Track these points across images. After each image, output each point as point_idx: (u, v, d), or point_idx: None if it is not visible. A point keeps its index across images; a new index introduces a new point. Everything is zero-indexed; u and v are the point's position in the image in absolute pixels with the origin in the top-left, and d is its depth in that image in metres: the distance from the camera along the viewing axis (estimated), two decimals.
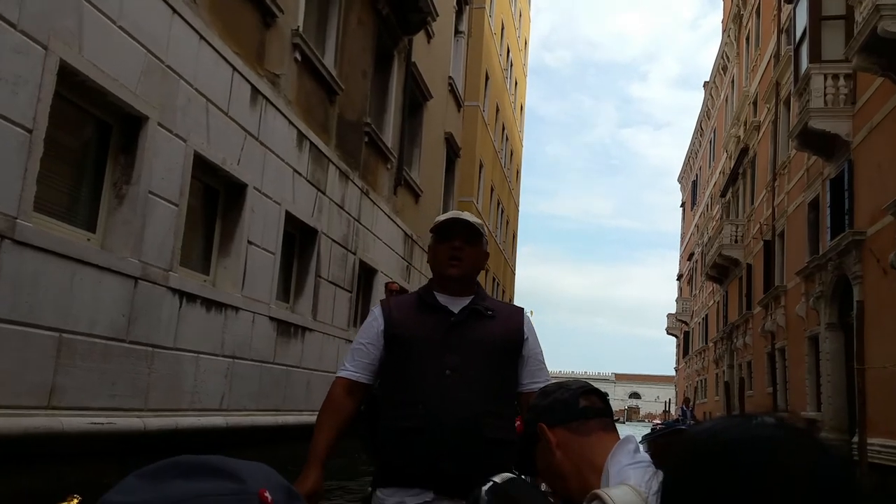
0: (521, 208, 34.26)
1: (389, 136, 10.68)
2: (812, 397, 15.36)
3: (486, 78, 20.24)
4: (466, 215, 2.30)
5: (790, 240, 17.92)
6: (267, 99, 6.68)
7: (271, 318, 6.78)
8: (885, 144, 11.41)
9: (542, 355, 2.38)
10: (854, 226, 12.58)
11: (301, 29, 7.43)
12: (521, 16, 29.45)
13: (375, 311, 2.33)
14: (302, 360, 7.51)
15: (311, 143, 7.63)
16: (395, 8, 10.18)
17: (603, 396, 1.50)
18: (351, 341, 9.57)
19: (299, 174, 7.34)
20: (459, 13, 16.27)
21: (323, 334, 8.11)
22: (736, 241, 24.91)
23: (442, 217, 2.32)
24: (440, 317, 2.25)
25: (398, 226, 11.36)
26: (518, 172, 32.14)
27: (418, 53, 11.94)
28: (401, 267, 11.66)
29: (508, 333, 2.28)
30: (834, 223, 13.70)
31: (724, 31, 34.79)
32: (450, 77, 14.76)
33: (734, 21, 30.02)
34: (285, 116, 7.04)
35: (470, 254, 2.27)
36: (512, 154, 28.79)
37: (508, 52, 25.74)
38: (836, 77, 13.35)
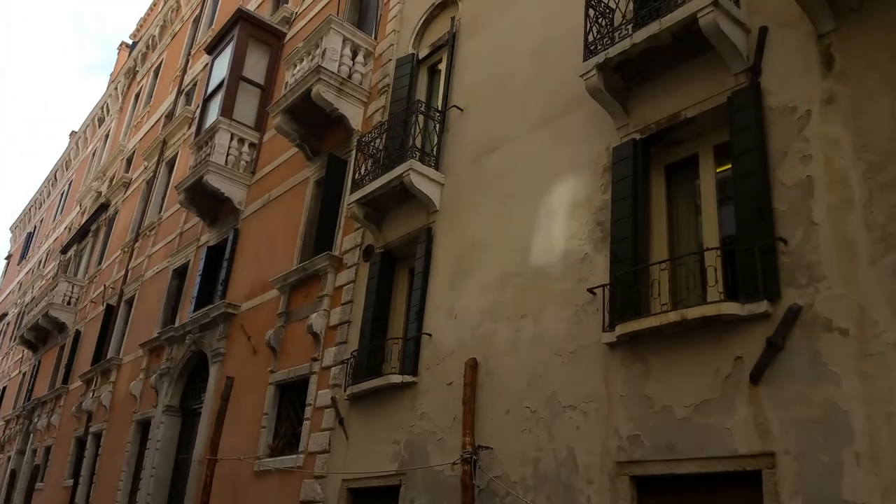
0: None
1: None
2: (125, 493, 12.98)
3: None
4: None
5: (141, 307, 15.83)
6: None
7: None
8: (282, 219, 10.86)
9: None
10: (227, 297, 11.45)
11: None
12: None
13: None
14: None
15: None
16: None
17: None
18: None
19: None
20: None
21: None
22: (69, 303, 21.34)
23: None
24: None
25: None
26: None
27: None
28: None
29: None
30: (202, 293, 12.35)
31: (111, 82, 32.19)
32: None
33: (126, 75, 28.03)
34: None
35: None
36: None
37: None
38: (242, 141, 12.59)
